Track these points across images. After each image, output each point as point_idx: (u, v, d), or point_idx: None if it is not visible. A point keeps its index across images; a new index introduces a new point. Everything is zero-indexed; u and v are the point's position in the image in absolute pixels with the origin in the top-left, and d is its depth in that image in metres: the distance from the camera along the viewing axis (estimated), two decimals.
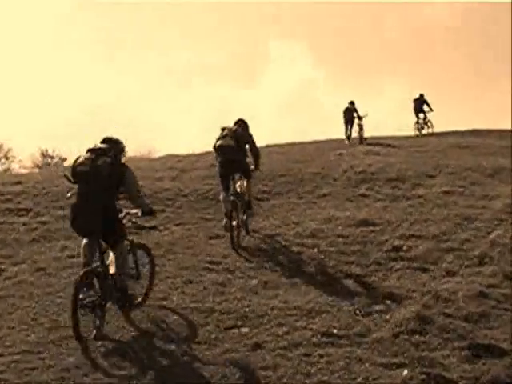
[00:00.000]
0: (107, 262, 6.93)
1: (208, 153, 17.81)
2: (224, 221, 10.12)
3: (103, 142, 6.93)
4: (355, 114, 24.06)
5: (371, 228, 10.46)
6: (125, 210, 7.10)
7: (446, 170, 15.04)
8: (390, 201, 12.58)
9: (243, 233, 10.22)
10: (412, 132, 26.86)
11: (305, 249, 9.62)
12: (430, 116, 26.94)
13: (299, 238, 10.09)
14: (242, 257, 9.26)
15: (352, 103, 24.28)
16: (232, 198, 9.97)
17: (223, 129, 10.28)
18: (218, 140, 10.15)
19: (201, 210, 11.96)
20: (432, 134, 26.07)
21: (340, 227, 10.57)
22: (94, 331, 6.62)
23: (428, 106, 26.77)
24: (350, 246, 9.69)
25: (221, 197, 10.19)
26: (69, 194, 7.20)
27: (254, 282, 8.25)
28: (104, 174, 6.60)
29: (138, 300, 7.37)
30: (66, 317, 6.97)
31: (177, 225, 11.03)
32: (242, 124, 10.50)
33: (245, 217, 10.35)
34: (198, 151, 19.31)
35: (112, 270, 6.89)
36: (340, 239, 9.96)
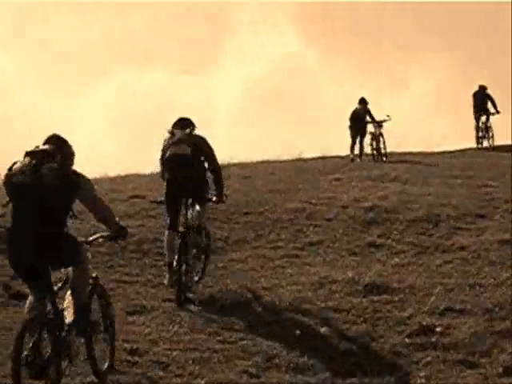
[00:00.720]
0: (62, 307, 7.47)
1: (127, 176, 17.79)
2: (167, 276, 10.53)
3: (47, 141, 7.37)
4: (368, 118, 24.21)
5: (386, 297, 10.54)
6: (80, 239, 7.58)
7: (503, 207, 15.21)
8: (416, 254, 12.68)
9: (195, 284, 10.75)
10: (462, 145, 27.07)
11: (281, 329, 9.58)
12: (492, 120, 27.40)
13: (272, 313, 10.15)
14: (180, 342, 9.13)
15: (363, 101, 24.55)
16: (182, 230, 10.44)
17: (172, 132, 10.73)
18: (167, 147, 10.63)
19: (117, 268, 11.93)
20: (491, 149, 26.40)
21: (337, 295, 10.66)
22: None
23: (493, 104, 27.17)
24: (352, 325, 9.74)
25: (165, 235, 10.67)
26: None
27: (200, 382, 8.11)
28: (52, 186, 7.02)
29: (105, 364, 7.99)
30: None
31: None
32: (192, 127, 10.81)
33: (201, 266, 11.07)
34: (112, 174, 19.41)
35: (69, 316, 7.46)
36: (337, 315, 10.02)
